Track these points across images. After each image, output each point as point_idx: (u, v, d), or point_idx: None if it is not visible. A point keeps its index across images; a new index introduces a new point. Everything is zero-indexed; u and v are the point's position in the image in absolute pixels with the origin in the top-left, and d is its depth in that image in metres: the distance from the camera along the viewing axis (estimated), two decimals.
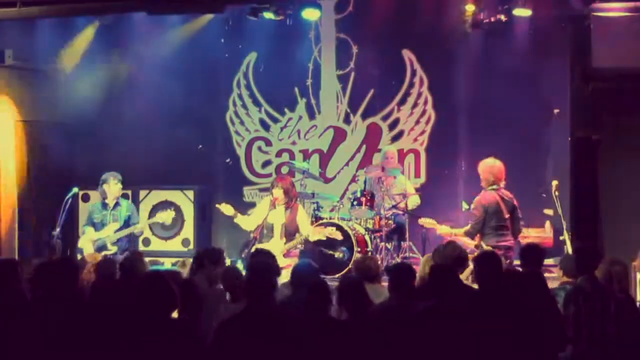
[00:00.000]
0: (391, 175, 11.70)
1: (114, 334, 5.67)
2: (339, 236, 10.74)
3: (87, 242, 11.09)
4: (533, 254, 7.56)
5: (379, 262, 7.94)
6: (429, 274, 6.46)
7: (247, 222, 10.79)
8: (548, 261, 9.81)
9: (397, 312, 6.35)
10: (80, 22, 12.66)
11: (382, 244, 11.26)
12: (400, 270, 6.88)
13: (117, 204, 11.17)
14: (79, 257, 10.90)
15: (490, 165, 10.12)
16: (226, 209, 10.79)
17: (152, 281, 5.77)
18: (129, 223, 11.14)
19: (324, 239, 10.68)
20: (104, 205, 11.19)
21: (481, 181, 10.16)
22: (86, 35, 12.75)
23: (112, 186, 11.13)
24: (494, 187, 10.04)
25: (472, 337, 5.98)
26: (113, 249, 10.95)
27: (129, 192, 12.59)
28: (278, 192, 10.60)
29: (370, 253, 11.05)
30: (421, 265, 7.76)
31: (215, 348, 5.70)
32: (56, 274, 6.22)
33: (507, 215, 9.98)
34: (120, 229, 11.06)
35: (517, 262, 8.72)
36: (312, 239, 10.58)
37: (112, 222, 11.10)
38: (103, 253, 10.80)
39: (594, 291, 6.61)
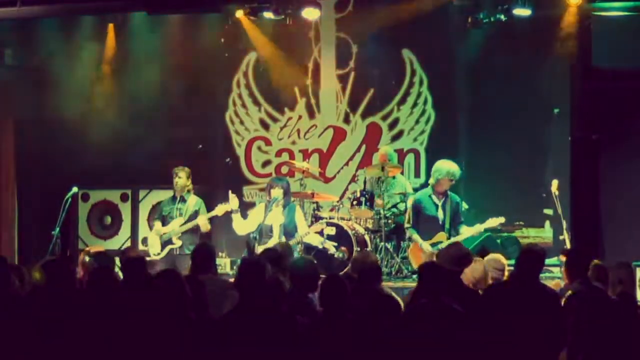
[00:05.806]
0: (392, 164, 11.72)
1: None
2: (331, 248, 10.78)
3: (154, 236, 11.09)
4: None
5: (377, 261, 7.92)
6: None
7: (241, 226, 10.75)
8: (548, 261, 9.81)
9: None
10: (80, 21, 12.67)
11: (382, 244, 11.26)
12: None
13: (182, 199, 11.12)
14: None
15: None
16: (232, 202, 10.77)
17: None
18: (195, 218, 11.08)
19: (320, 247, 10.72)
20: (173, 199, 11.20)
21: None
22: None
23: (176, 179, 11.08)
24: None
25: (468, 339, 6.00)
26: (178, 243, 10.93)
27: (129, 192, 12.61)
28: (278, 192, 10.59)
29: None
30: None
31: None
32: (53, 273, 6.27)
33: None
34: (185, 223, 11.03)
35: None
36: (308, 240, 10.62)
37: (178, 216, 11.07)
38: (169, 247, 10.91)
39: (590, 295, 6.59)
